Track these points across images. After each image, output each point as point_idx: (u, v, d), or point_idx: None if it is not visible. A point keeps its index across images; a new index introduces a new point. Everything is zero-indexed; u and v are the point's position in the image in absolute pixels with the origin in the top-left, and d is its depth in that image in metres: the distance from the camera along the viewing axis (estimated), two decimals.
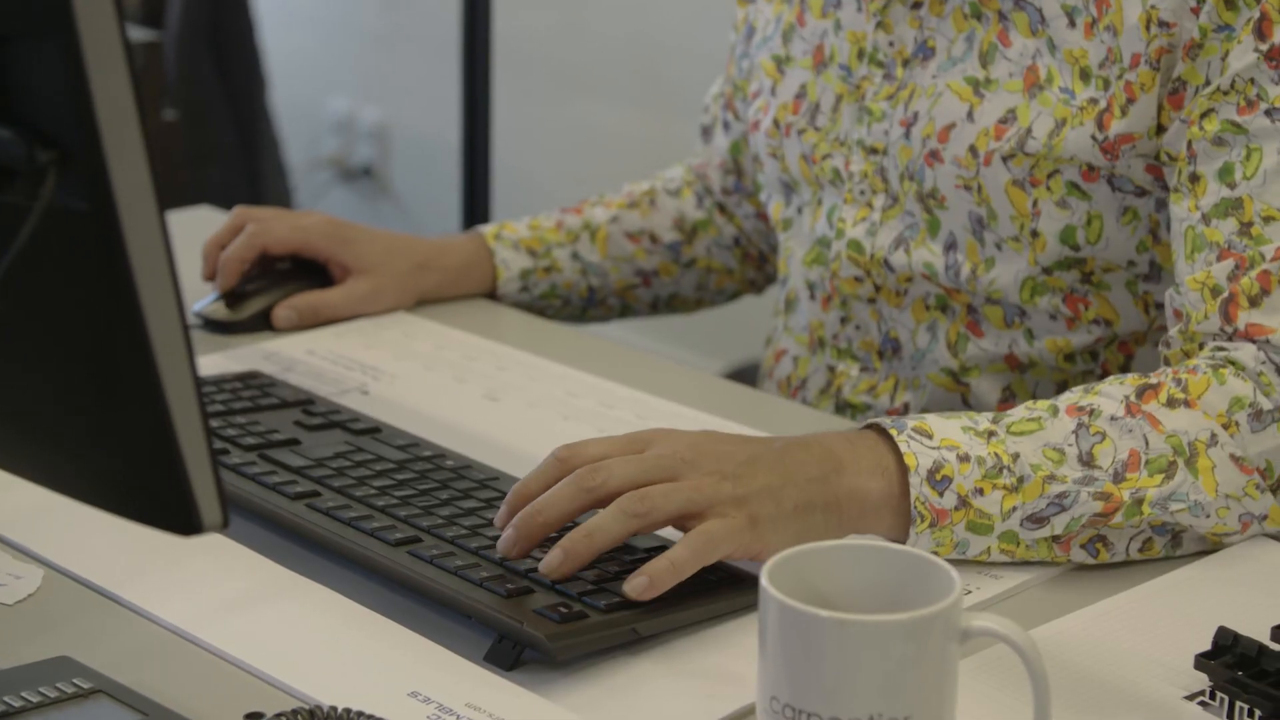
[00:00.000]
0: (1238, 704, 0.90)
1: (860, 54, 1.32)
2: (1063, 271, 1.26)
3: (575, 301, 1.54)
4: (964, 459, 1.04)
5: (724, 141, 1.53)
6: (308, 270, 1.46)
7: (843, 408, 1.38)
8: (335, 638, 0.97)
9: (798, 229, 1.39)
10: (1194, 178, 1.17)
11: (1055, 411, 1.08)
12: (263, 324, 1.43)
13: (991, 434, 1.06)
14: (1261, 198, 1.14)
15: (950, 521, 1.04)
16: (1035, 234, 1.25)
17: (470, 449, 1.18)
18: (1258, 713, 0.90)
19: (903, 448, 1.04)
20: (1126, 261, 1.26)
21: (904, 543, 1.04)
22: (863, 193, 1.32)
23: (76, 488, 0.83)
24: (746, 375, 1.61)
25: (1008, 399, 1.32)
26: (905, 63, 1.29)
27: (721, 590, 1.00)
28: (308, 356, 1.37)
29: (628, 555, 1.01)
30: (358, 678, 0.93)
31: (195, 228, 1.68)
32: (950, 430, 1.06)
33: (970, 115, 1.25)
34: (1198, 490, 1.06)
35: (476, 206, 2.76)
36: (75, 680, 0.89)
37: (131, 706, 0.88)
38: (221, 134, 3.30)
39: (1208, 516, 1.07)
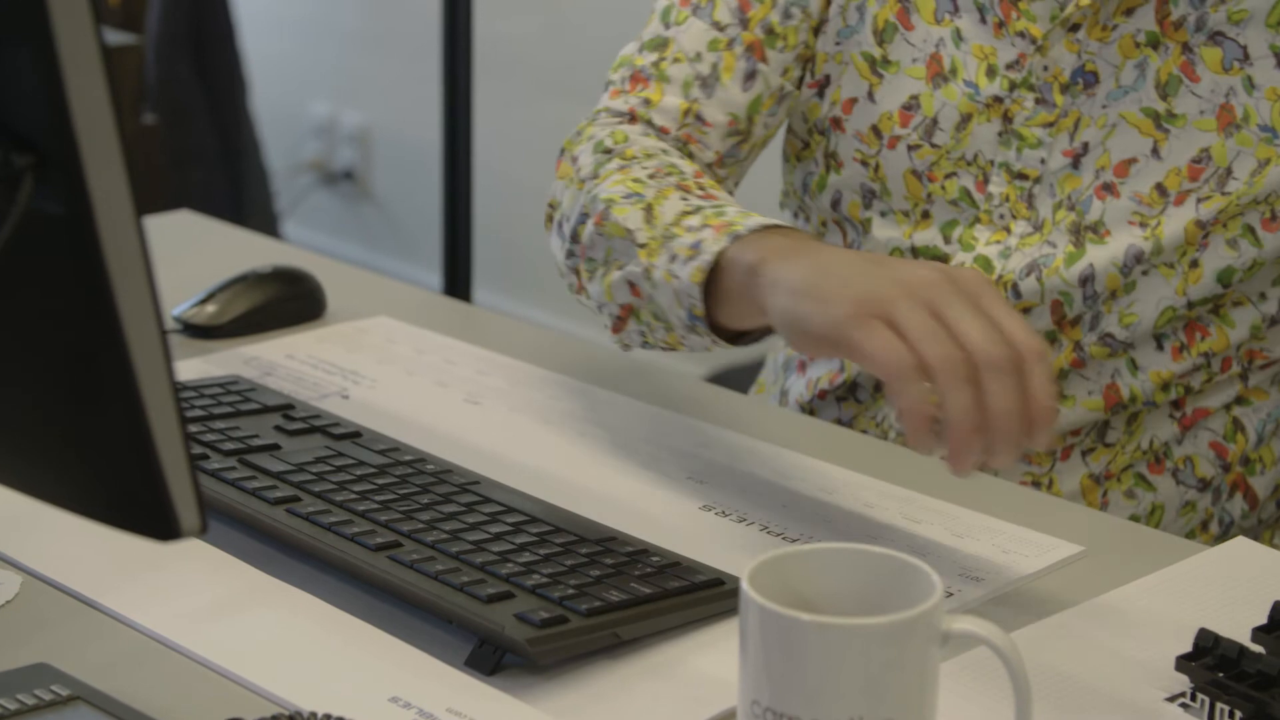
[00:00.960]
0: (1219, 705, 0.91)
1: (990, 71, 1.24)
2: (1202, 306, 1.24)
3: None
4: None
5: (742, 97, 1.30)
6: (288, 276, 1.46)
7: None
8: (316, 643, 0.97)
9: (877, 234, 1.30)
10: None
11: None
12: (242, 328, 1.42)
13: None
14: None
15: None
16: (1195, 264, 1.22)
17: (451, 453, 1.18)
18: (1238, 714, 0.90)
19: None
20: (1259, 294, 1.24)
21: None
22: (1001, 216, 1.26)
23: (54, 493, 0.83)
24: (727, 379, 1.61)
25: (1097, 428, 1.29)
26: (1064, 89, 1.23)
27: (702, 594, 1.00)
28: (288, 361, 1.37)
29: (609, 559, 1.01)
30: (338, 683, 0.93)
31: (176, 232, 1.68)
32: None
33: (1156, 151, 1.20)
34: None
35: (458, 210, 2.75)
36: (54, 687, 0.89)
37: (110, 714, 0.87)
38: (202, 138, 3.29)
39: None
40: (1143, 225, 1.22)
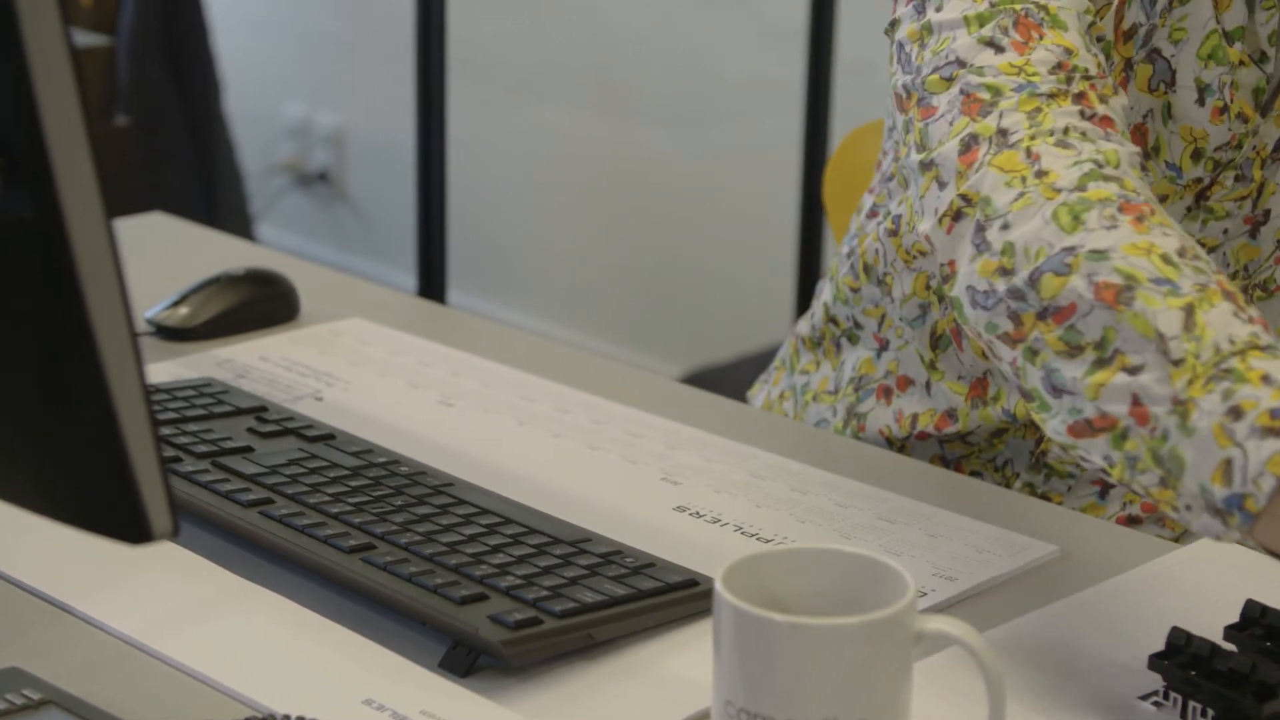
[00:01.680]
0: (1191, 704, 0.91)
1: (1196, 154, 1.15)
2: None
3: None
4: None
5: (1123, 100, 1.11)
6: (262, 278, 1.46)
7: (1038, 466, 1.27)
8: (289, 646, 0.96)
9: None
10: None
11: None
12: (216, 331, 1.42)
13: None
14: None
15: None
16: None
17: (425, 455, 1.18)
18: (1211, 712, 0.90)
19: None
20: None
21: None
22: None
23: (24, 497, 0.82)
24: (703, 380, 1.61)
25: None
26: (1264, 164, 1.17)
27: (676, 595, 1.00)
28: (261, 363, 1.37)
29: (583, 560, 1.01)
30: (312, 686, 0.93)
31: (149, 234, 1.68)
32: None
33: None
34: None
35: (432, 211, 2.75)
36: (25, 691, 0.89)
37: (82, 718, 0.87)
38: (175, 139, 3.28)
39: None
40: None
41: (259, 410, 1.23)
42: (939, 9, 1.07)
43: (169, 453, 1.14)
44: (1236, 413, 0.87)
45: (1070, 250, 0.94)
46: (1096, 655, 0.98)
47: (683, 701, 0.92)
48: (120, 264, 0.74)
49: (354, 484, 1.10)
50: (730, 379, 1.52)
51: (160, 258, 1.59)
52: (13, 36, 0.71)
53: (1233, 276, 1.18)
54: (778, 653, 0.79)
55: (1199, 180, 1.17)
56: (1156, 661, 0.93)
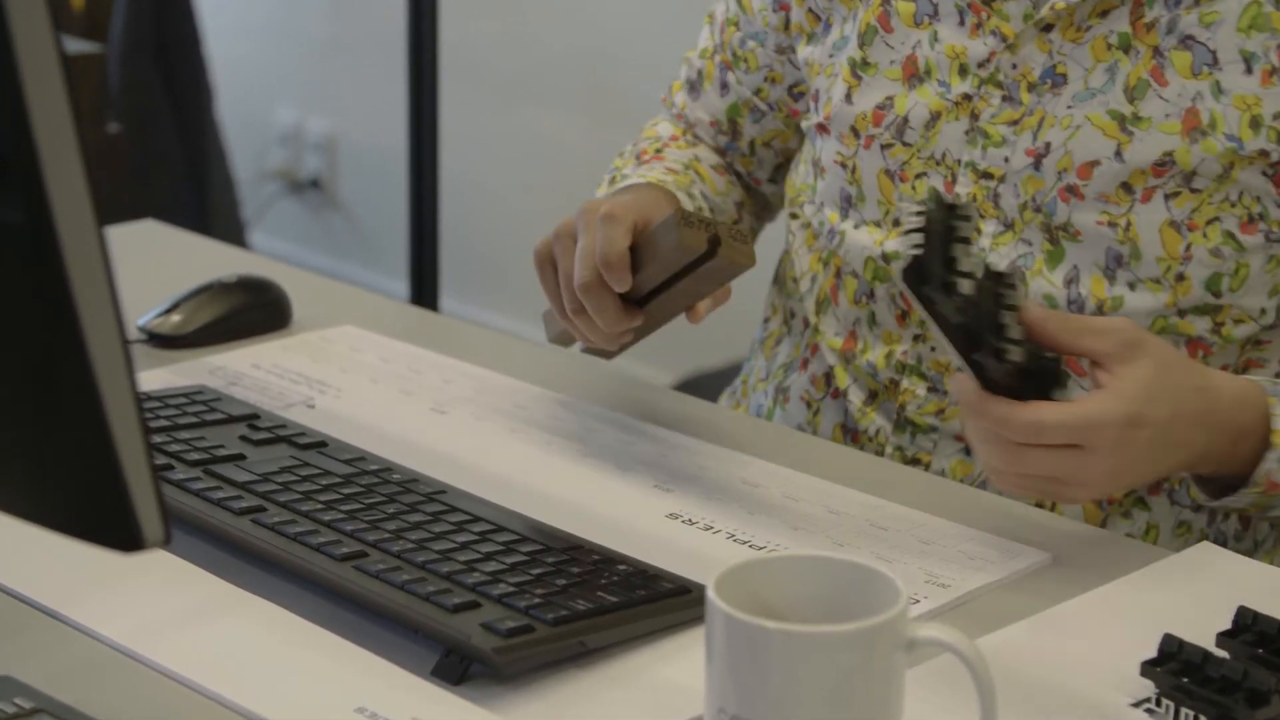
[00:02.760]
0: (1183, 710, 0.91)
1: (962, 70, 1.26)
2: (1196, 316, 1.23)
3: None
4: None
5: (720, 102, 1.44)
6: (254, 286, 1.46)
7: (903, 425, 1.31)
8: (281, 653, 0.96)
9: (854, 243, 1.32)
10: None
11: None
12: (208, 338, 1.42)
13: None
14: None
15: (1278, 493, 1.14)
16: (1181, 278, 1.21)
17: (417, 462, 1.18)
18: (1203, 719, 0.90)
19: (1274, 424, 1.12)
20: (1259, 309, 1.23)
21: (1228, 490, 1.15)
22: None
23: (15, 505, 0.82)
24: (695, 387, 1.61)
25: None
26: (1031, 87, 1.23)
27: (669, 603, 1.00)
28: (253, 371, 1.37)
29: (575, 567, 1.01)
30: (304, 693, 0.93)
31: (140, 241, 1.68)
32: None
33: (1119, 154, 1.20)
34: None
35: (425, 217, 2.75)
36: (16, 700, 0.88)
37: None
38: (167, 146, 3.28)
39: None
40: (1112, 226, 1.21)
41: (251, 418, 1.23)
42: None
43: (161, 460, 1.13)
44: None
45: None
46: (1089, 662, 0.98)
47: (675, 709, 0.92)
48: (112, 271, 0.74)
49: (346, 491, 1.10)
50: (722, 386, 1.52)
51: (152, 265, 1.59)
52: (3, 43, 0.71)
53: (1023, 208, 1.25)
54: (770, 660, 0.79)
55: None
56: (1149, 668, 0.93)
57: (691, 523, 1.14)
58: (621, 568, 1.02)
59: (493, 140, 3.55)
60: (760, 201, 1.50)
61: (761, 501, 1.17)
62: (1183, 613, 1.03)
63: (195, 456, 1.15)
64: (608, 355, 1.29)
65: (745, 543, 1.11)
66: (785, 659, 0.79)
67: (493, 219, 3.61)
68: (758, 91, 1.42)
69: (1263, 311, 1.24)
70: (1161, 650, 0.93)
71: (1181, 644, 0.92)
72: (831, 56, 1.33)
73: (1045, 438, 1.04)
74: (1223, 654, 0.93)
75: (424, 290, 2.77)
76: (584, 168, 3.43)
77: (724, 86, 1.44)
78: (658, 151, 1.44)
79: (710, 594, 0.81)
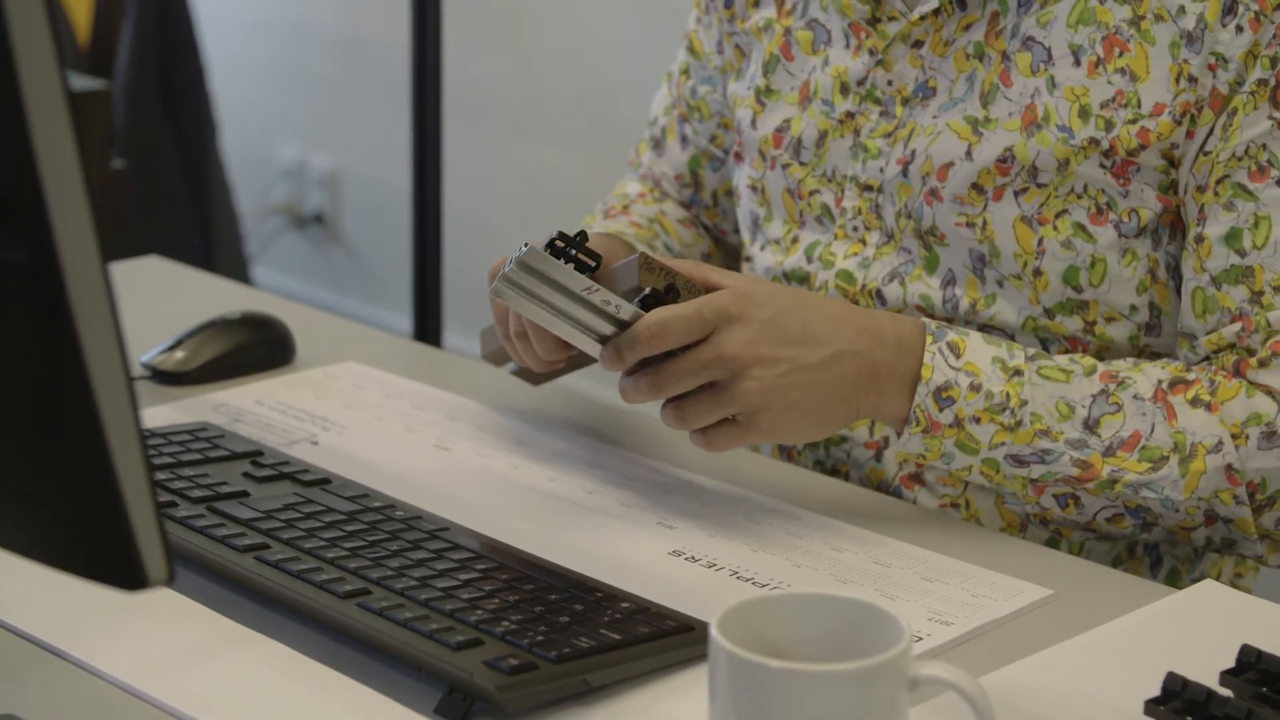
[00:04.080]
0: None
1: (844, 89, 1.32)
2: (1065, 316, 1.26)
3: None
4: (975, 388, 1.16)
5: (681, 155, 1.51)
6: (257, 322, 1.46)
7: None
8: (284, 691, 0.96)
9: (759, 264, 1.39)
10: (1199, 239, 1.21)
11: (1091, 370, 1.18)
12: (211, 375, 1.42)
13: (1017, 372, 1.17)
14: (1272, 267, 1.19)
15: (941, 434, 1.17)
16: (1038, 272, 1.25)
17: (420, 499, 1.18)
18: None
19: (926, 358, 1.16)
20: (1129, 306, 1.25)
21: (898, 434, 1.18)
22: (855, 229, 1.32)
23: (19, 543, 0.82)
24: None
25: None
26: (905, 101, 1.29)
27: (672, 640, 1.00)
28: (257, 407, 1.37)
29: (578, 605, 1.01)
30: None
31: (144, 277, 1.68)
32: (979, 356, 1.17)
33: (969, 154, 1.25)
34: (1175, 488, 1.17)
35: (428, 253, 2.75)
36: None
37: None
38: (171, 182, 3.29)
39: (1176, 511, 1.18)
40: (970, 226, 1.26)
41: (254, 455, 1.23)
42: None
43: (164, 497, 1.14)
44: None
45: None
46: (1092, 700, 0.97)
47: None
48: (116, 309, 0.74)
49: (349, 529, 1.10)
50: None
51: (156, 301, 1.59)
52: (10, 85, 0.71)
53: (898, 215, 1.29)
54: (773, 698, 0.79)
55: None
56: (1152, 707, 0.92)
57: (694, 560, 1.14)
58: (624, 605, 1.02)
59: (495, 176, 3.56)
60: (729, 253, 1.54)
61: (764, 538, 1.17)
62: (1186, 651, 1.02)
63: (198, 494, 1.15)
64: (535, 381, 1.37)
65: (748, 580, 1.11)
66: (789, 697, 0.79)
67: (495, 255, 3.61)
68: (713, 139, 1.48)
69: (1133, 309, 1.26)
70: (1165, 689, 0.93)
71: (1185, 683, 0.92)
72: (748, 89, 1.40)
73: (670, 333, 1.12)
74: (1226, 693, 0.93)
75: (427, 325, 2.77)
76: (585, 204, 3.43)
77: (684, 140, 1.51)
78: (625, 208, 1.50)
79: (713, 632, 0.81)
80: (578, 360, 1.27)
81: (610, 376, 1.18)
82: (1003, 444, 1.16)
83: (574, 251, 1.17)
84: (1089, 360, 1.19)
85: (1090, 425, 1.16)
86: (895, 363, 1.17)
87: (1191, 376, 1.19)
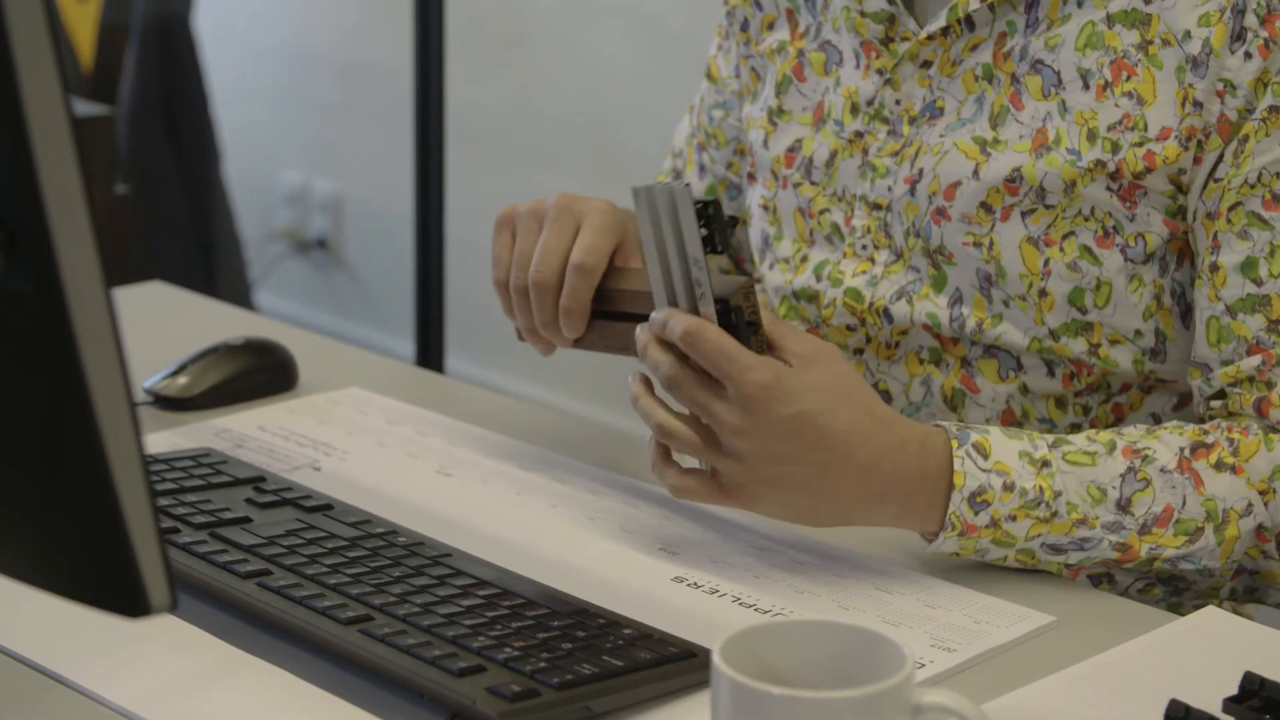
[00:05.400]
0: None
1: (854, 109, 1.33)
2: (1070, 338, 1.26)
3: None
4: (1008, 488, 1.13)
5: (699, 184, 1.51)
6: (260, 348, 1.46)
7: None
8: (287, 718, 0.96)
9: (770, 283, 1.39)
10: (1214, 267, 1.21)
11: (1112, 448, 1.16)
12: (214, 401, 1.42)
13: (1045, 464, 1.14)
14: None
15: (978, 535, 1.14)
16: (1043, 293, 1.25)
17: (423, 525, 1.18)
18: None
19: (956, 464, 1.13)
20: (1134, 331, 1.26)
21: (927, 539, 1.15)
22: (864, 248, 1.32)
23: (21, 569, 0.82)
24: None
25: None
26: (912, 120, 1.30)
27: (674, 667, 0.99)
28: (259, 433, 1.37)
29: (581, 631, 1.01)
30: None
31: (147, 303, 1.68)
32: (1007, 454, 1.14)
33: (976, 173, 1.25)
34: (1212, 556, 1.17)
35: (430, 278, 2.76)
36: None
37: None
38: (174, 207, 3.29)
39: (1210, 576, 1.20)
40: (977, 245, 1.26)
41: (257, 480, 1.23)
42: None
43: (167, 523, 1.14)
44: None
45: None
46: None
47: None
48: (119, 336, 0.75)
49: (352, 555, 1.10)
50: None
51: (159, 327, 1.59)
52: (14, 111, 0.71)
53: (907, 234, 1.30)
54: None
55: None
56: None
57: (697, 586, 1.14)
58: (627, 631, 1.02)
59: (498, 202, 3.55)
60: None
61: (767, 565, 1.17)
62: (1189, 678, 1.02)
63: (201, 519, 1.15)
64: (546, 351, 1.31)
65: (751, 606, 1.11)
66: None
67: None
68: (729, 166, 1.48)
69: (1138, 334, 1.26)
70: (1168, 716, 0.92)
71: (1188, 710, 0.92)
72: (761, 110, 1.41)
73: (699, 350, 1.11)
74: None
75: (430, 351, 2.78)
76: None
77: (701, 169, 1.51)
78: None
79: (716, 659, 0.81)
80: (589, 343, 1.26)
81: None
82: (1039, 535, 1.14)
83: (711, 225, 1.20)
84: (1105, 436, 1.18)
85: (1123, 506, 1.15)
86: (918, 487, 1.13)
87: (1211, 439, 1.18)
